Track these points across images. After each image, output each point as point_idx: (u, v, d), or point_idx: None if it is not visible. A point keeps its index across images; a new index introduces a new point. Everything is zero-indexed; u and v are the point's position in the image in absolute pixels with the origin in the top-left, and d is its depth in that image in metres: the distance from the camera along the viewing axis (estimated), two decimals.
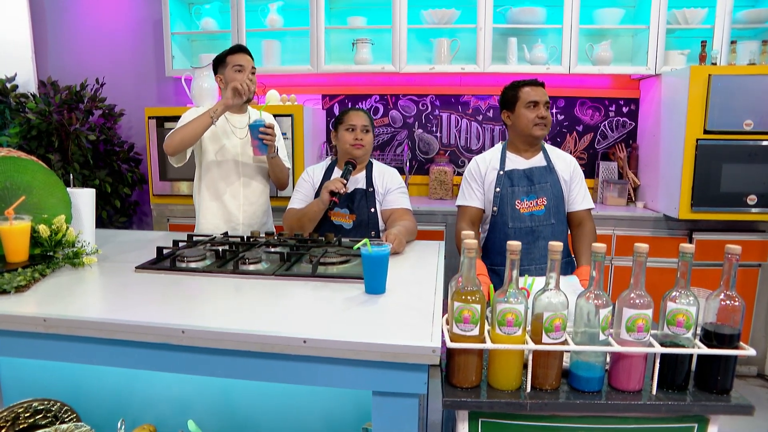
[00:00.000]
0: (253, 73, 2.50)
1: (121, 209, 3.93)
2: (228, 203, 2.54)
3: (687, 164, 3.01)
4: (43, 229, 1.80)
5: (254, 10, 3.69)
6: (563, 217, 2.32)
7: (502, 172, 2.29)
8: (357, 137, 2.32)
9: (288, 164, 2.66)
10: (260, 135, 2.35)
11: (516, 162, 2.32)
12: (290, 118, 3.29)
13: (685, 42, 3.56)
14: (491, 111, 3.84)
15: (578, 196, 2.32)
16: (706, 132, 2.97)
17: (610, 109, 3.76)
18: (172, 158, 2.45)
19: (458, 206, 2.38)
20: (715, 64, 3.13)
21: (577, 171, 2.35)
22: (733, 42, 3.25)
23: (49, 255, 1.85)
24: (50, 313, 1.38)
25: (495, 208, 2.29)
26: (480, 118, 3.86)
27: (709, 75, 2.92)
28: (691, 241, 3.16)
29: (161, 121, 3.45)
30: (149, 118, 3.47)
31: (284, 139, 2.97)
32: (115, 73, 4.06)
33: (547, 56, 3.50)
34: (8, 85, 3.56)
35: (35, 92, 3.81)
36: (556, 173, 2.31)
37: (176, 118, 3.38)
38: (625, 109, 3.75)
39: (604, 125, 3.78)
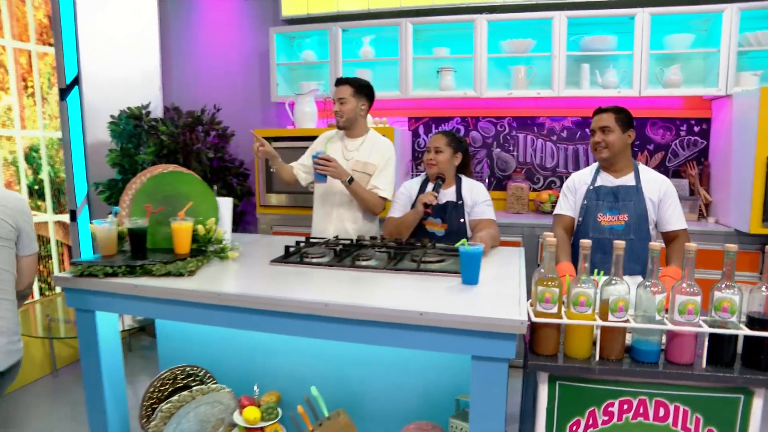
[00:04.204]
0: (342, 102, 2.70)
1: (232, 218, 4.46)
2: (330, 219, 2.85)
3: (758, 181, 3.12)
4: (201, 229, 2.24)
5: (349, 42, 4.14)
6: (645, 234, 2.47)
7: (591, 188, 2.55)
8: (429, 158, 2.70)
9: (383, 193, 2.75)
10: (314, 165, 2.57)
11: (606, 179, 2.55)
12: None
13: (757, 62, 3.62)
14: (565, 132, 4.07)
15: (671, 216, 2.44)
16: None
17: (681, 128, 3.88)
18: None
19: (554, 214, 2.66)
20: None
21: (669, 192, 2.46)
22: None
23: (202, 249, 2.27)
24: (221, 290, 1.79)
25: (580, 219, 2.54)
26: (554, 138, 4.09)
27: None
28: (764, 255, 3.27)
29: (266, 141, 3.93)
30: None
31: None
32: (227, 99, 4.66)
33: (619, 80, 3.68)
34: (144, 112, 4.20)
35: (161, 117, 4.45)
36: (642, 194, 2.48)
37: (280, 139, 3.86)
38: (696, 129, 3.86)
39: (675, 144, 3.90)
